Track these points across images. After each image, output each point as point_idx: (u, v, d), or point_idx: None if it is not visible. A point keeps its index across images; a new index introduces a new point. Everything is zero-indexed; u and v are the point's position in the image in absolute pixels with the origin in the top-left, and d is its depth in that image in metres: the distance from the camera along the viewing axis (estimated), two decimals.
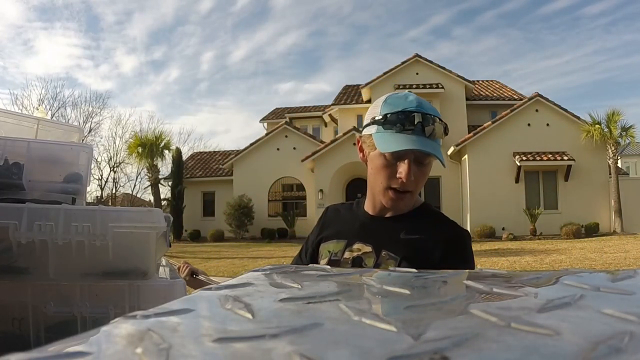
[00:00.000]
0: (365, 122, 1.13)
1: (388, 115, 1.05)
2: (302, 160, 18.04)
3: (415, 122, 1.03)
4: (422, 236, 1.09)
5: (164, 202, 21.31)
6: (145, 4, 48.30)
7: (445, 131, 1.08)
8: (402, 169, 1.06)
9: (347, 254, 1.14)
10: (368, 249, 1.12)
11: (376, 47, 53.42)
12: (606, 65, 59.86)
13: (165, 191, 22.16)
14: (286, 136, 19.67)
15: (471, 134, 16.77)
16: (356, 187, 17.60)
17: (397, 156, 1.06)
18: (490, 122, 16.85)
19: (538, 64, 60.29)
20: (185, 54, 52.72)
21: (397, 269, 0.46)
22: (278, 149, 19.60)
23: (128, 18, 48.88)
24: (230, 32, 53.18)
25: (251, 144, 20.07)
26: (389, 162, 1.07)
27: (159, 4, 48.82)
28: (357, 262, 1.11)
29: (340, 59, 56.95)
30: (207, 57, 55.63)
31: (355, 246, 1.14)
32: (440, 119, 1.07)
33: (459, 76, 18.68)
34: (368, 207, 1.20)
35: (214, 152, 25.03)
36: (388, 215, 1.16)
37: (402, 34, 54.34)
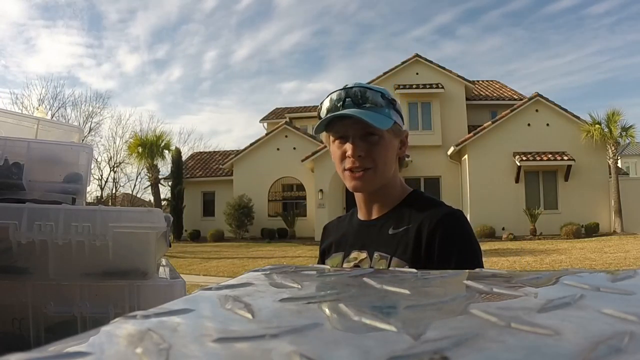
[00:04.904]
0: None
1: (320, 108, 1.14)
2: (302, 160, 18.03)
3: (335, 99, 1.09)
4: (409, 226, 1.06)
5: (164, 202, 21.32)
6: (149, 2, 48.35)
7: (374, 97, 1.08)
8: (347, 146, 1.09)
9: (345, 265, 1.14)
10: (363, 255, 1.11)
11: (381, 47, 53.37)
12: (610, 65, 59.93)
13: (165, 191, 22.20)
14: (286, 136, 19.67)
15: (471, 134, 16.77)
16: None
17: (341, 136, 1.11)
18: (490, 122, 16.85)
19: (541, 63, 60.32)
20: (188, 53, 52.77)
21: (397, 269, 0.46)
22: (278, 149, 19.60)
23: (131, 16, 48.83)
24: (234, 31, 53.15)
25: (251, 144, 20.07)
26: (337, 146, 1.12)
27: (163, 2, 48.86)
28: None
29: (345, 58, 56.85)
30: (210, 56, 55.74)
31: (352, 255, 1.13)
32: (367, 88, 1.09)
33: (459, 76, 18.67)
34: (360, 213, 1.20)
35: (214, 152, 25.04)
36: (376, 215, 1.15)
37: (407, 33, 54.25)
